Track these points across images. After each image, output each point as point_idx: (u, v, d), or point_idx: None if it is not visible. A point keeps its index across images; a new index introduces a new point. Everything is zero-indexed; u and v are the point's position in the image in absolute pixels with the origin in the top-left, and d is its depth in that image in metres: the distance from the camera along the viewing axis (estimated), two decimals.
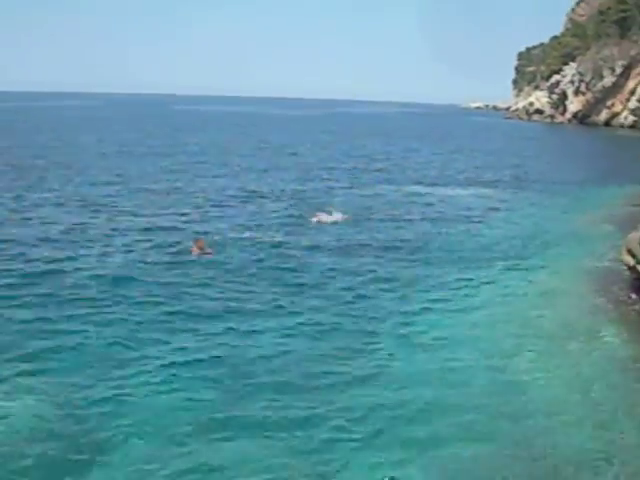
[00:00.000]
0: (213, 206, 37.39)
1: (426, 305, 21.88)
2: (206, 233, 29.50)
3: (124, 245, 27.72)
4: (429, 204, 41.24)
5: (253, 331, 18.90)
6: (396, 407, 14.83)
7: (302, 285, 23.22)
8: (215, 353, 17.26)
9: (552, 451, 13.46)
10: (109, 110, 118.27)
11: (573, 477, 12.68)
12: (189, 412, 14.28)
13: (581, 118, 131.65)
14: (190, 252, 25.92)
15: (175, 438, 13.24)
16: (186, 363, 16.59)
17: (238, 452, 12.92)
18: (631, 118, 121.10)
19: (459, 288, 23.86)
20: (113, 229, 30.53)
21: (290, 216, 34.83)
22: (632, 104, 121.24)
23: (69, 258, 25.41)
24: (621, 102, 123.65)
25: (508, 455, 13.27)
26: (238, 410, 14.43)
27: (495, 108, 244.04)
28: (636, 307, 22.18)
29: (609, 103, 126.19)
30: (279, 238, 29.71)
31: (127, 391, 15.04)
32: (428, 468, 12.69)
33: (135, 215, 33.95)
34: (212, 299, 21.41)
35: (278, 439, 13.40)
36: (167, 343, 17.88)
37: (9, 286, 21.95)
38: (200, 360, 16.79)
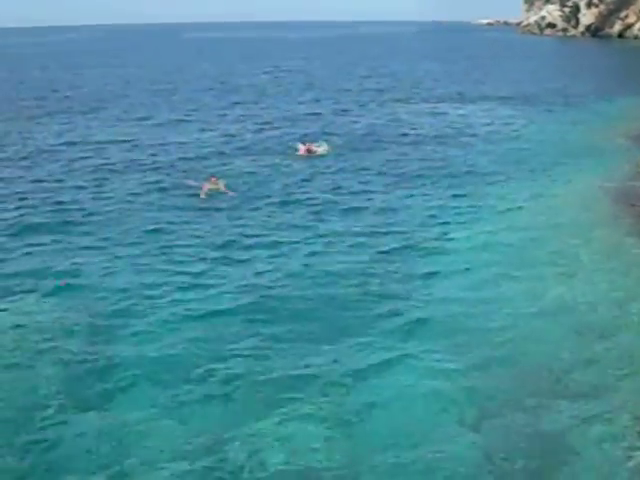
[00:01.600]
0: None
1: (451, 218, 22.52)
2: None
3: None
4: (443, 121, 41.53)
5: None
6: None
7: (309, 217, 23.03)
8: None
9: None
10: (117, 42, 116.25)
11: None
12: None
13: (594, 31, 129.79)
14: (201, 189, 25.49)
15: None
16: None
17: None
18: None
19: (477, 204, 24.29)
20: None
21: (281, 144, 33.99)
22: None
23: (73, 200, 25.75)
24: (635, 13, 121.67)
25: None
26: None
27: (506, 23, 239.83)
28: None
29: (622, 14, 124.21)
30: (267, 171, 29.07)
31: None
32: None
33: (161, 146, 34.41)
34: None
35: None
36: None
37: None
38: (219, 289, 17.27)
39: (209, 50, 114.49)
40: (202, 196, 24.74)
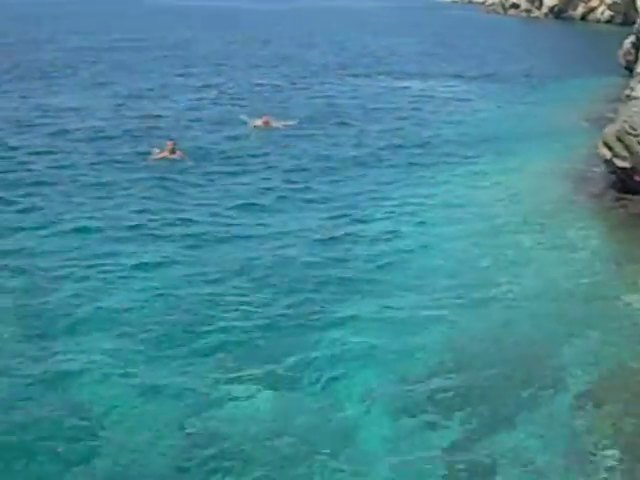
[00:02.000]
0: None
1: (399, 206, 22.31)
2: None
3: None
4: (405, 98, 41.48)
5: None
6: None
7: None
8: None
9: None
10: (68, 6, 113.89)
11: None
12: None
13: (557, 13, 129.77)
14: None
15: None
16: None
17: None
18: (608, 13, 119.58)
19: (433, 187, 24.31)
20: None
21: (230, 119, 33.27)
22: None
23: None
24: None
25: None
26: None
27: (470, 2, 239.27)
28: (610, 199, 22.76)
29: None
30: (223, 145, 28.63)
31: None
32: None
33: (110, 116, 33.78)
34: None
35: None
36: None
37: None
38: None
39: (173, 17, 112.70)
40: (153, 161, 24.42)
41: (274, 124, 30.89)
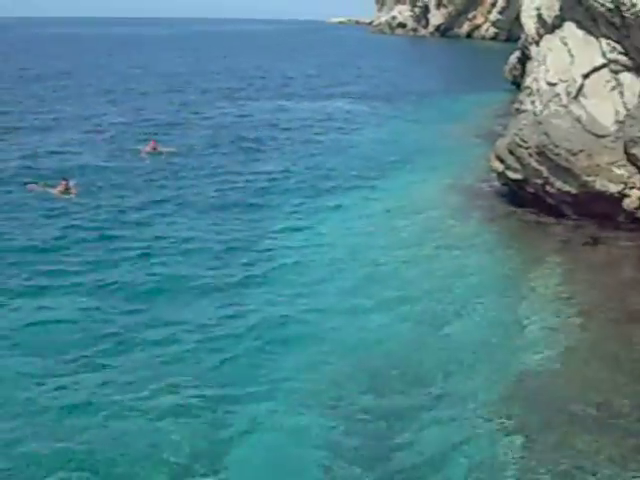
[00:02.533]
0: None
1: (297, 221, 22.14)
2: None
3: None
4: (293, 119, 41.23)
5: None
6: None
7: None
8: None
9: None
10: None
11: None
12: None
13: (443, 31, 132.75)
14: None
15: None
16: None
17: None
18: (492, 30, 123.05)
19: (323, 204, 24.13)
20: None
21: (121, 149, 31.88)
22: (493, 16, 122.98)
23: None
24: (482, 14, 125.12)
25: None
26: None
27: (358, 22, 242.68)
28: (503, 210, 23.08)
29: (470, 15, 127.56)
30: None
31: None
32: None
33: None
34: None
35: None
36: None
37: None
38: None
39: (60, 46, 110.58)
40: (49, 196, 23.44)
41: (162, 149, 30.23)
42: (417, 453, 11.01)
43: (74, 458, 10.53)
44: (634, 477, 10.38)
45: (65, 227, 20.89)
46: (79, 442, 10.86)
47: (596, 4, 22.14)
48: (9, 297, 15.89)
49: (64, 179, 24.46)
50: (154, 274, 17.42)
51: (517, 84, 45.84)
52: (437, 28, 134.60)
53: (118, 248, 19.12)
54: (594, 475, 10.43)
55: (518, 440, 11.32)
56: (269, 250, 19.32)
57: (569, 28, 24.41)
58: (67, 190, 23.89)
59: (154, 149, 30.13)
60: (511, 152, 22.96)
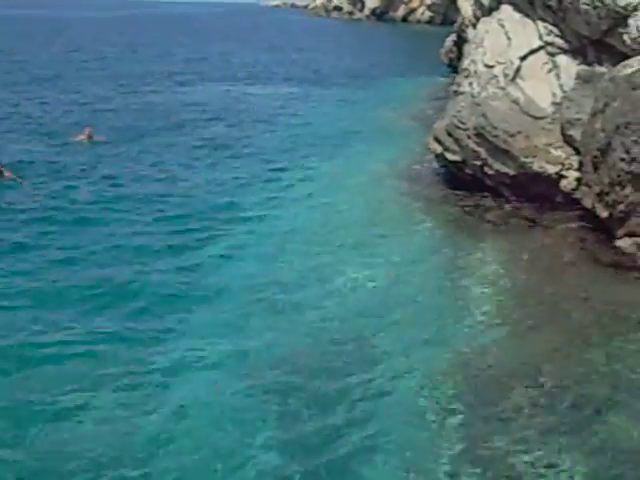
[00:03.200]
0: None
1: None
2: None
3: None
4: (227, 103, 40.67)
5: None
6: None
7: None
8: None
9: None
10: None
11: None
12: None
13: (379, 14, 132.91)
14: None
15: None
16: None
17: None
18: (428, 14, 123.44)
19: (265, 191, 23.69)
20: None
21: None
22: (429, 0, 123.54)
23: None
24: None
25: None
26: None
27: (293, 6, 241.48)
28: (442, 193, 23.09)
29: None
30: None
31: None
32: None
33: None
34: None
35: None
36: None
37: None
38: None
39: None
40: None
41: (97, 137, 29.18)
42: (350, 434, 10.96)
43: None
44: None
45: None
46: None
47: None
48: None
49: None
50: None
51: (453, 67, 46.06)
52: (373, 11, 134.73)
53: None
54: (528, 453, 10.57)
55: (457, 417, 11.44)
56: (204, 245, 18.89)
57: (506, 11, 24.51)
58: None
59: (89, 137, 29.00)
60: (449, 134, 22.96)
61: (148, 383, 12.01)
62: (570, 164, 20.85)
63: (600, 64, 21.38)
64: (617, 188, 17.57)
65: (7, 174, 23.17)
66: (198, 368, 12.59)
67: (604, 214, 18.30)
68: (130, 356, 12.80)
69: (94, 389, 11.77)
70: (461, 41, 41.87)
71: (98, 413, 11.20)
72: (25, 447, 10.38)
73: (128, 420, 11.05)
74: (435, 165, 24.91)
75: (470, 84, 23.91)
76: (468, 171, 22.77)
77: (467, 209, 21.81)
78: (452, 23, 56.85)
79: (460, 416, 11.44)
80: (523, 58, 22.77)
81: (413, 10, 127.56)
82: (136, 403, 11.49)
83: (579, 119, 20.27)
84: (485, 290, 16.25)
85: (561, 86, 21.97)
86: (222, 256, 17.77)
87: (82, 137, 29.02)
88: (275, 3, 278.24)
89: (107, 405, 11.41)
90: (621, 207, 17.60)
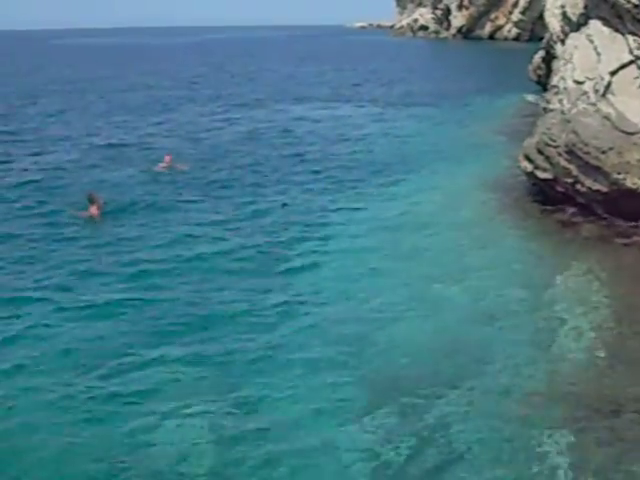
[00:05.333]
0: None
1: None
2: None
3: None
4: (316, 122, 41.39)
5: None
6: None
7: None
8: None
9: None
10: None
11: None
12: None
13: (465, 33, 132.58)
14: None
15: None
16: None
17: None
18: (515, 30, 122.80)
19: (360, 206, 24.20)
20: None
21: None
22: (515, 16, 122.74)
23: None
24: (504, 15, 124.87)
25: None
26: None
27: (379, 27, 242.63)
28: (534, 210, 23.06)
29: (492, 16, 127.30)
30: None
31: None
32: None
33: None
34: None
35: None
36: None
37: None
38: None
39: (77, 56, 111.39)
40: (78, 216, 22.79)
41: (177, 165, 29.02)
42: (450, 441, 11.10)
43: None
44: None
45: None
46: None
47: (622, 1, 22.05)
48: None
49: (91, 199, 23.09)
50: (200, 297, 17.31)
51: (542, 84, 45.66)
52: (459, 30, 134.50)
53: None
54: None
55: (563, 434, 11.33)
56: (299, 255, 19.33)
57: (595, 25, 24.33)
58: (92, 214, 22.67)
59: (169, 165, 28.95)
60: (540, 151, 22.86)
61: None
62: None
63: None
64: None
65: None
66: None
67: None
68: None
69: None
70: (549, 57, 41.46)
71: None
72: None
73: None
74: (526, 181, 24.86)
75: (560, 101, 23.80)
76: (559, 188, 22.60)
77: (559, 225, 21.69)
78: (539, 39, 56.32)
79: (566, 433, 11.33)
80: (613, 73, 22.56)
81: (500, 27, 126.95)
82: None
83: None
84: (576, 308, 16.01)
85: None
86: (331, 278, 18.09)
87: (163, 165, 28.95)
88: (361, 24, 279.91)
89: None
90: None
